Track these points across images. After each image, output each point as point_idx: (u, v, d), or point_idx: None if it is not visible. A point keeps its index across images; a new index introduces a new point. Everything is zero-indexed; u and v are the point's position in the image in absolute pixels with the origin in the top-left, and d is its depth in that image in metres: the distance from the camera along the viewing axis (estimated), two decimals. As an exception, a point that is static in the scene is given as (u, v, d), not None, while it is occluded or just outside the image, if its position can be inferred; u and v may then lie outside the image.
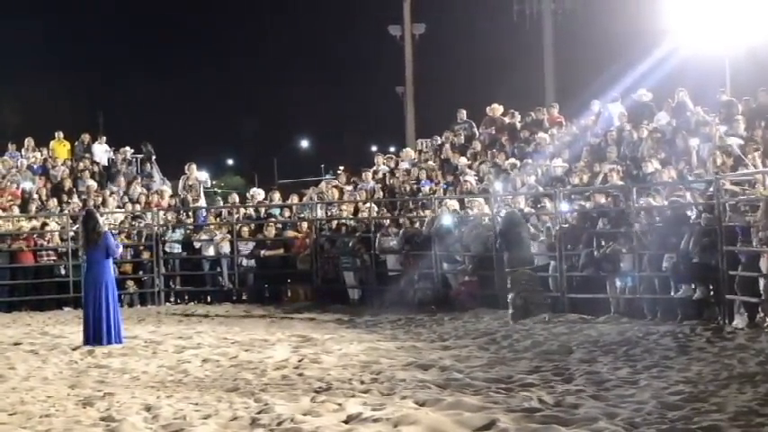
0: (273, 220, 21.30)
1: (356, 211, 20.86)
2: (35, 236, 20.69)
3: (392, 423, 7.41)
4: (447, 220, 17.98)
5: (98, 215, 14.57)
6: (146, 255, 20.76)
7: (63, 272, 20.38)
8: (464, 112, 24.13)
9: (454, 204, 18.51)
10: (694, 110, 19.07)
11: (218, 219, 22.16)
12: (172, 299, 20.92)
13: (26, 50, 57.26)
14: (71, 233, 20.34)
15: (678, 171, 16.64)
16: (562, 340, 12.29)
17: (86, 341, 13.28)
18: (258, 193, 23.33)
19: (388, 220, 19.68)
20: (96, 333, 13.31)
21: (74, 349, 12.88)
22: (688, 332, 12.41)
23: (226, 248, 20.63)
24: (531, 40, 36.66)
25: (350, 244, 19.90)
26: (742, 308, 13.18)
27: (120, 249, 14.87)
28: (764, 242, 12.47)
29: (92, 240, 13.68)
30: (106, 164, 25.47)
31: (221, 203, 24.61)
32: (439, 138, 24.10)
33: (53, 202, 22.52)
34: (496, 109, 23.35)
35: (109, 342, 13.21)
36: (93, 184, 23.71)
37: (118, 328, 13.53)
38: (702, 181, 15.17)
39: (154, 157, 26.29)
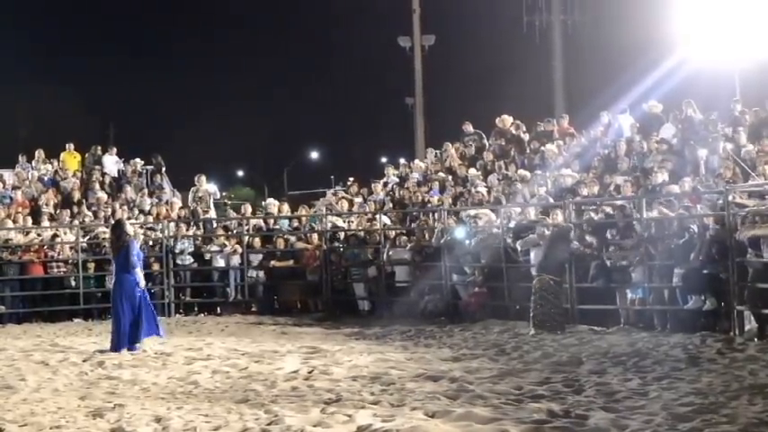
0: (283, 232, 21.30)
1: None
2: (45, 247, 20.75)
3: (402, 434, 7.41)
4: (460, 233, 17.94)
5: (127, 225, 15.10)
6: (155, 266, 20.79)
7: (73, 283, 20.43)
8: (470, 124, 24.09)
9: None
10: (702, 120, 19.04)
11: (227, 230, 22.15)
12: (182, 310, 20.94)
13: (37, 62, 57.67)
14: (82, 245, 20.40)
15: (690, 183, 16.58)
16: (572, 351, 12.28)
17: (119, 347, 13.75)
18: (272, 204, 23.33)
19: (396, 232, 19.70)
20: (123, 337, 13.83)
21: (84, 360, 12.91)
22: (698, 343, 12.40)
23: (236, 260, 20.66)
24: (541, 51, 36.68)
25: (359, 255, 19.92)
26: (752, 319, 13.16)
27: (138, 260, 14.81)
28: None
29: (117, 248, 14.30)
30: (116, 175, 25.54)
31: (232, 215, 24.61)
32: (450, 145, 24.01)
33: (63, 214, 22.57)
34: (506, 120, 23.29)
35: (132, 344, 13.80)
36: (103, 195, 23.76)
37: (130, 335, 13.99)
38: (713, 192, 15.13)
39: (164, 169, 26.35)
